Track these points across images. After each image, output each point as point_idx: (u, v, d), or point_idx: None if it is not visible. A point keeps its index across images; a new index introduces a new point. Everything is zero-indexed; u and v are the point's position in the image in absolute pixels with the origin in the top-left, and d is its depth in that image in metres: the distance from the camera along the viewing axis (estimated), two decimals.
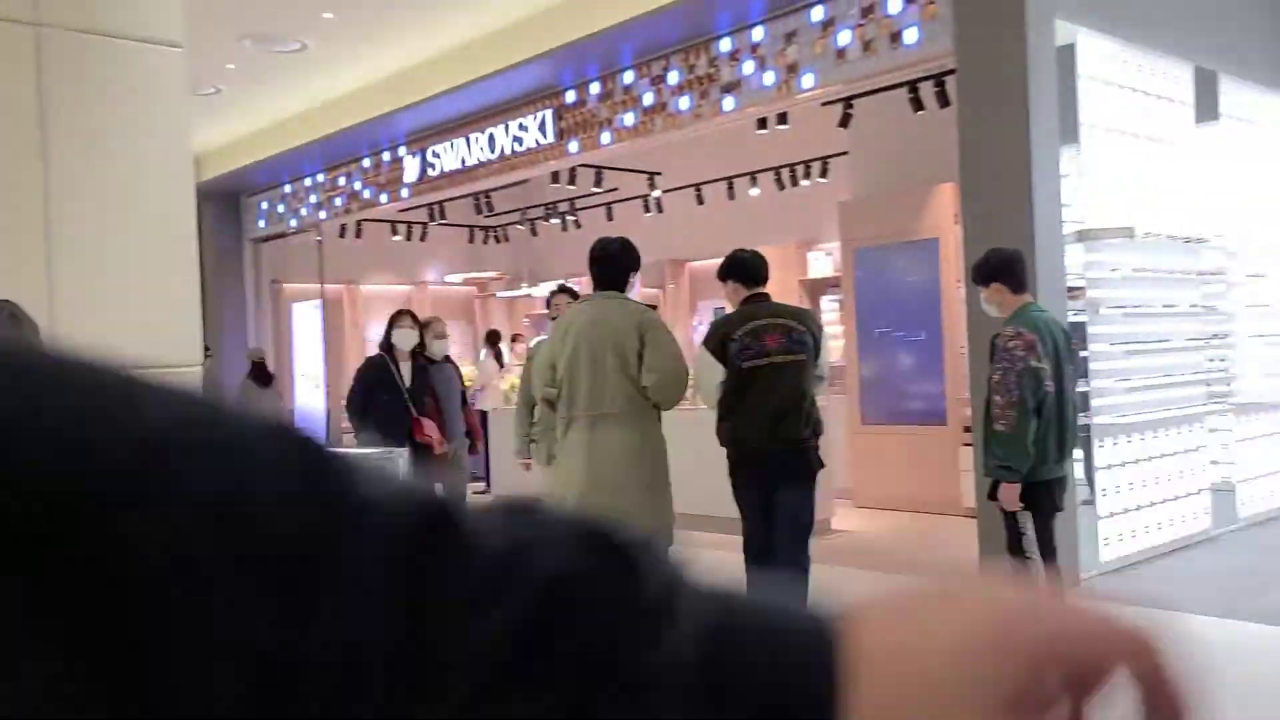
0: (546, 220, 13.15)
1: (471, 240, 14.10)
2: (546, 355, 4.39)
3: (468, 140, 9.26)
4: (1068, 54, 5.83)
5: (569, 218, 12.78)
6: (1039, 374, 3.88)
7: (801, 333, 4.46)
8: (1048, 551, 4.21)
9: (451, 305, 14.82)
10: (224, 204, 12.25)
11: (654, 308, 6.63)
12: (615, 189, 11.87)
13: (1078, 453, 5.92)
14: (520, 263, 14.18)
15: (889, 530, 7.73)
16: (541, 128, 8.56)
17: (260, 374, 10.30)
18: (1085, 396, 5.93)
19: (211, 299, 11.93)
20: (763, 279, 4.66)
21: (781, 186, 10.95)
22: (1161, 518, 6.31)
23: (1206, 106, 6.91)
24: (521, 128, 8.73)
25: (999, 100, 5.63)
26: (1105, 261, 5.99)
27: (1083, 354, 5.89)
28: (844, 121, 8.24)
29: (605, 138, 8.12)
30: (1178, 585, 5.58)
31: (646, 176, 11.47)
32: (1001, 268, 4.18)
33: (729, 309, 4.67)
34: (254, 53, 8.23)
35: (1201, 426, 6.71)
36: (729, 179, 11.28)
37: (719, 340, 4.47)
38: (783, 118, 7.95)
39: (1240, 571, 5.81)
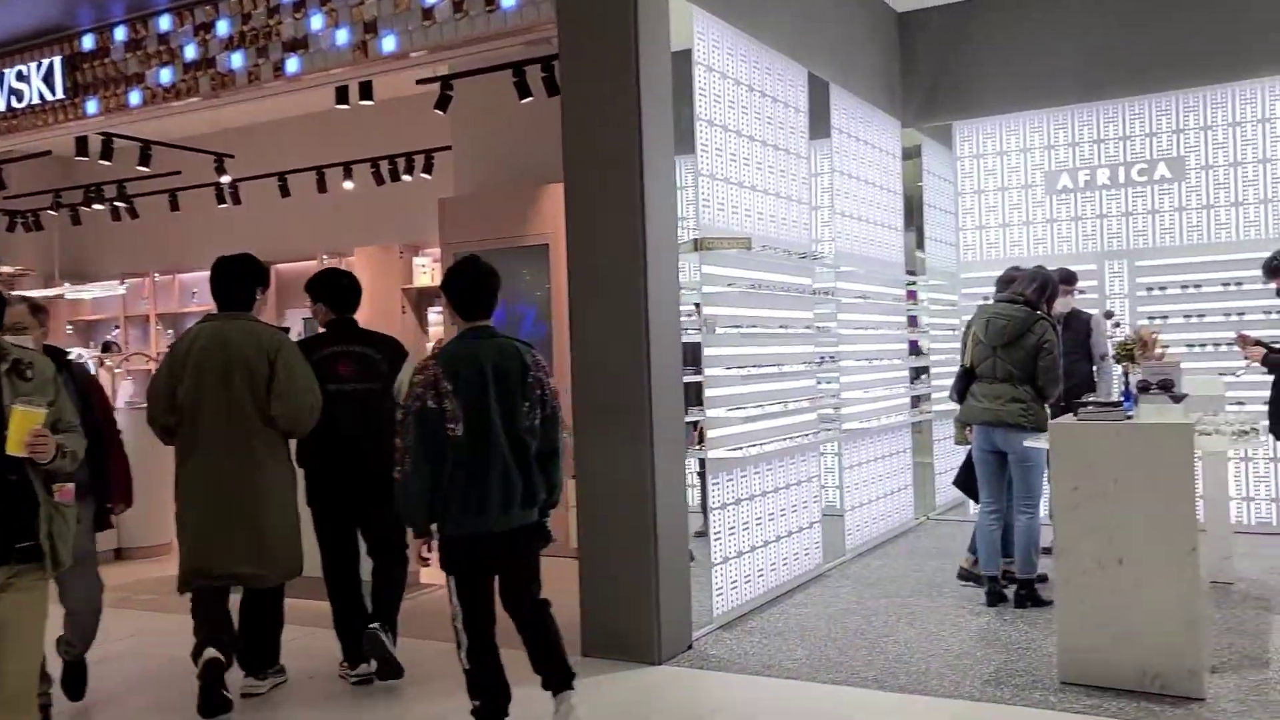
0: (88, 205, 10.74)
1: None
2: (165, 379, 4.26)
3: None
4: (683, 58, 5.10)
5: (119, 204, 10.50)
6: (428, 415, 3.43)
7: (375, 361, 4.55)
8: (528, 611, 3.64)
9: None
10: None
11: (287, 329, 6.31)
12: (178, 172, 9.88)
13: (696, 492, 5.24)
14: (57, 256, 11.59)
15: None
16: (48, 79, 6.59)
17: None
18: (696, 426, 5.23)
19: None
20: (351, 305, 4.69)
21: (380, 181, 9.60)
22: (776, 558, 5.77)
23: (819, 116, 6.56)
24: (21, 78, 6.69)
25: (607, 82, 4.74)
26: (721, 275, 5.32)
27: (697, 378, 5.17)
28: (441, 104, 7.11)
29: (134, 97, 6.36)
30: (788, 642, 4.98)
31: (214, 158, 9.58)
32: (448, 286, 3.65)
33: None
34: None
35: (815, 455, 6.30)
36: (318, 168, 9.73)
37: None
38: (368, 91, 6.63)
39: (848, 613, 5.36)
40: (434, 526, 3.57)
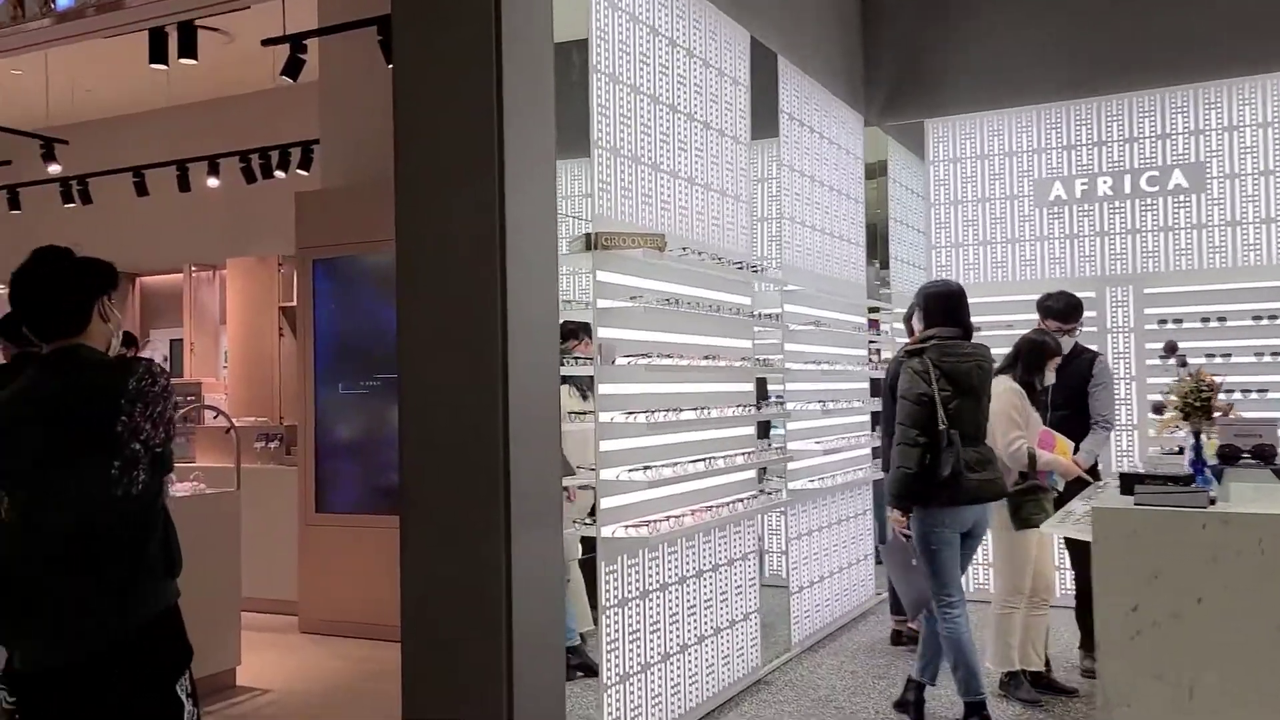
0: None
1: None
2: None
3: None
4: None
5: None
6: None
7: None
8: None
9: None
10: None
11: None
12: (8, 162, 8.31)
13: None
14: None
15: (331, 677, 5.14)
16: None
17: None
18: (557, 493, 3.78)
19: None
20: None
21: (251, 178, 8.12)
22: (695, 668, 4.32)
23: (764, 94, 5.21)
24: None
25: (449, 29, 3.32)
26: (624, 285, 3.90)
27: (575, 426, 3.72)
28: (291, 69, 5.67)
29: None
30: None
31: (40, 143, 8.02)
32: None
33: None
34: None
35: (752, 527, 4.88)
36: (179, 163, 8.22)
37: None
38: (190, 46, 5.18)
39: None
40: None
